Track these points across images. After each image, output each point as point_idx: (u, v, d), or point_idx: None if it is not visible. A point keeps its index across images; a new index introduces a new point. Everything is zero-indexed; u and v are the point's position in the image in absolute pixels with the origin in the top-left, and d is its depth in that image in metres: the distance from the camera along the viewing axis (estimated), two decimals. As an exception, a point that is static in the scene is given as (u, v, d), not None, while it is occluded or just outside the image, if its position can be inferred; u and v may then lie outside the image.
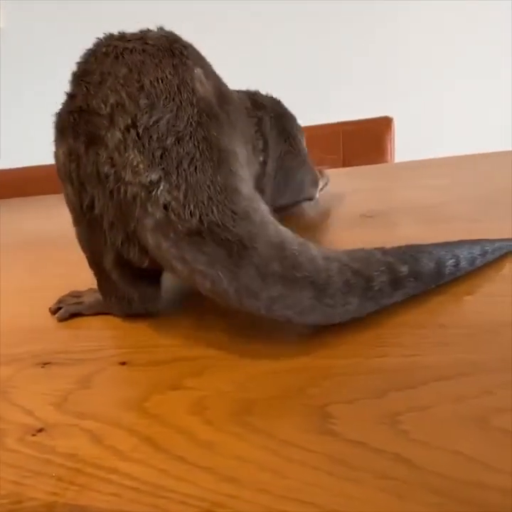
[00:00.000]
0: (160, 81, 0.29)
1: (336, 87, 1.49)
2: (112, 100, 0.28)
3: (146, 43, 0.30)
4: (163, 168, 0.27)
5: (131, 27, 0.33)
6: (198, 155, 0.28)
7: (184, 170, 0.27)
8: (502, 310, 0.29)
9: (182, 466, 0.20)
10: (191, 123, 0.28)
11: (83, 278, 0.45)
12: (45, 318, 0.37)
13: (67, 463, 0.21)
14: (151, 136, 0.27)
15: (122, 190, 0.28)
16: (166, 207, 0.26)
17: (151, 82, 0.28)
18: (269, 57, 1.55)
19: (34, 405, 0.26)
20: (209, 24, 1.50)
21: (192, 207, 0.26)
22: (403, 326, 0.28)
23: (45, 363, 0.30)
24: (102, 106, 0.28)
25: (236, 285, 0.26)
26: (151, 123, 0.28)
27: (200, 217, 0.26)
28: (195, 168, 0.27)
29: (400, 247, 0.32)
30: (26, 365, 0.30)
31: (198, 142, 0.28)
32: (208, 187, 0.27)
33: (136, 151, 0.27)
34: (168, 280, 0.34)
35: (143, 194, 0.27)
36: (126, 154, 0.27)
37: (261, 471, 0.19)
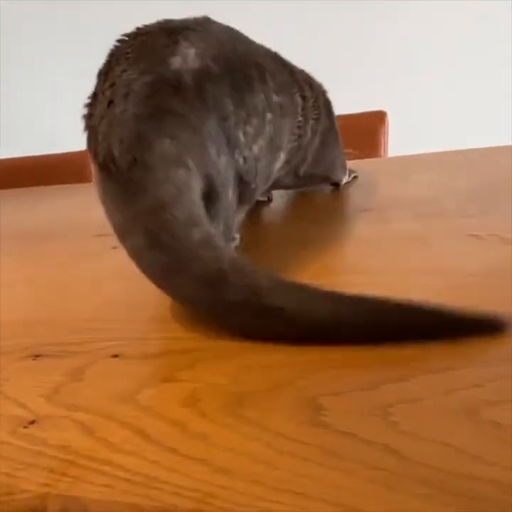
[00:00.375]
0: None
1: (330, 81, 1.49)
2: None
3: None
4: None
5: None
6: None
7: None
8: (496, 304, 0.29)
9: (175, 458, 0.20)
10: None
11: (73, 271, 0.45)
12: (36, 311, 0.37)
13: (60, 455, 0.21)
14: None
15: None
16: None
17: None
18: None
19: (25, 397, 0.26)
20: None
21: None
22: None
23: (36, 356, 0.30)
24: None
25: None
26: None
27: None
28: None
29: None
30: (17, 358, 0.30)
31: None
32: None
33: None
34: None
35: None
36: None
37: (253, 463, 0.19)
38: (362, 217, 0.50)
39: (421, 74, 1.51)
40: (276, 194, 0.57)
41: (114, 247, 0.50)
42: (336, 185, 0.59)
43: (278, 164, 0.42)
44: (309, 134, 0.47)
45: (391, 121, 1.08)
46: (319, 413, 0.22)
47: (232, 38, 0.40)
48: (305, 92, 0.46)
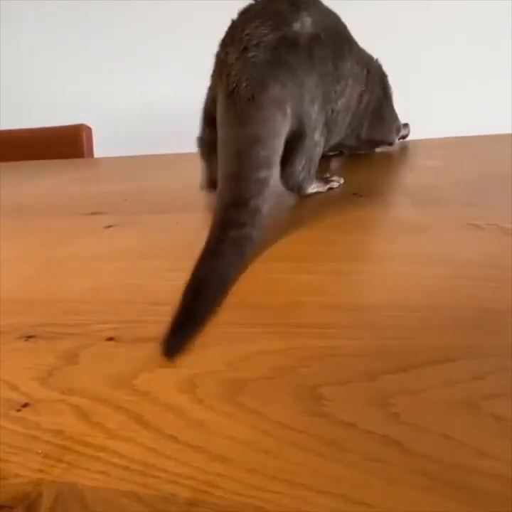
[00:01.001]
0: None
1: None
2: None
3: None
4: None
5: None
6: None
7: None
8: (495, 295, 0.29)
9: (172, 445, 0.20)
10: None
11: (65, 249, 0.44)
12: (27, 290, 0.36)
13: (54, 439, 0.21)
14: None
15: None
16: None
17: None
18: None
19: (18, 380, 0.25)
20: (205, 21, 1.44)
21: None
22: (397, 309, 0.28)
23: (29, 337, 0.29)
24: None
25: None
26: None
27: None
28: None
29: None
30: (9, 339, 0.29)
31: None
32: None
33: None
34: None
35: None
36: None
37: (252, 452, 0.19)
38: (360, 201, 0.49)
39: (421, 59, 1.49)
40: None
41: (109, 226, 0.49)
42: (390, 144, 0.71)
43: (347, 124, 0.54)
44: (366, 100, 0.57)
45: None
46: (319, 402, 0.21)
47: (333, 15, 0.51)
48: (369, 66, 0.57)
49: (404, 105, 1.31)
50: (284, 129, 0.42)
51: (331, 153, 0.71)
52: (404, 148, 0.76)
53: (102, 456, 0.20)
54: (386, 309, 0.29)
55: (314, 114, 0.45)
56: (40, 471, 0.19)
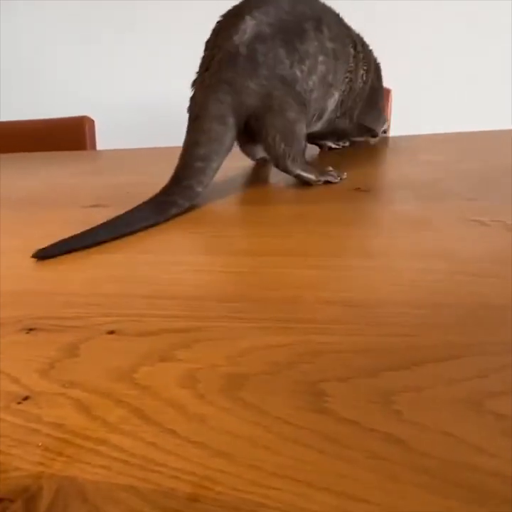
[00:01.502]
0: None
1: None
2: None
3: None
4: None
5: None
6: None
7: None
8: (498, 292, 0.29)
9: (172, 440, 0.20)
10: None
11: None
12: (29, 282, 0.36)
13: (54, 433, 0.21)
14: None
15: None
16: None
17: None
18: None
19: (19, 372, 0.25)
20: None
21: None
22: (400, 305, 0.28)
23: (30, 329, 0.29)
24: None
25: None
26: None
27: None
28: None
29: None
30: (10, 331, 0.29)
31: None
32: None
33: None
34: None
35: None
36: None
37: (253, 447, 0.19)
38: (362, 197, 0.49)
39: (427, 54, 1.48)
40: (277, 174, 0.56)
41: (111, 220, 0.49)
42: (375, 135, 0.72)
43: (332, 101, 0.58)
44: (360, 80, 0.60)
45: (395, 99, 1.06)
46: (320, 399, 0.21)
47: (295, 1, 0.53)
48: (357, 46, 0.60)
49: (406, 100, 1.30)
50: (223, 134, 0.50)
51: (334, 146, 0.71)
52: (406, 142, 0.75)
53: (103, 450, 0.20)
54: (388, 305, 0.28)
55: (277, 100, 0.51)
56: (41, 464, 0.19)
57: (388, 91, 1.05)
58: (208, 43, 0.54)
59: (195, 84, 0.54)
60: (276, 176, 0.60)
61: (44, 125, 1.23)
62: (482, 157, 0.61)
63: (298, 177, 0.54)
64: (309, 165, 0.54)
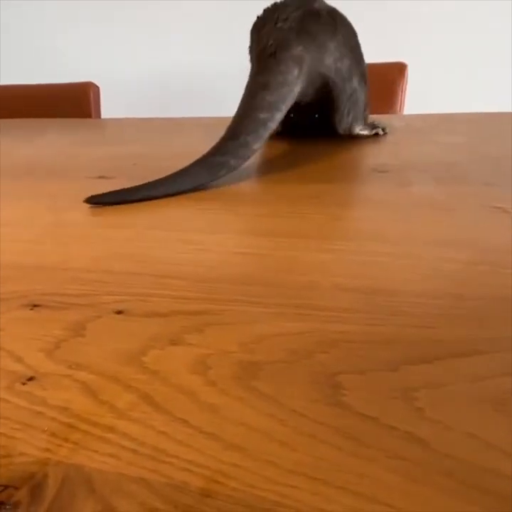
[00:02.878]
0: None
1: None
2: None
3: None
4: None
5: None
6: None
7: None
8: (522, 286, 0.27)
9: (184, 430, 0.19)
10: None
11: (71, 214, 0.43)
12: (31, 256, 0.35)
13: (60, 417, 0.20)
14: None
15: None
16: None
17: None
18: None
19: (23, 351, 0.24)
20: None
21: None
22: (419, 295, 0.27)
23: (34, 305, 0.28)
24: None
25: None
26: None
27: None
28: None
29: None
30: (13, 307, 0.28)
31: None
32: None
33: None
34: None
35: None
36: None
37: (268, 441, 0.18)
38: (379, 178, 0.47)
39: (445, 29, 1.42)
40: (291, 151, 0.54)
41: (117, 192, 0.47)
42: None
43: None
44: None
45: (410, 75, 1.02)
46: (338, 392, 0.20)
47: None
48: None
49: (422, 76, 1.26)
50: (296, 82, 0.50)
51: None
52: (427, 121, 0.73)
53: (111, 437, 0.19)
54: (406, 294, 0.27)
55: (344, 67, 0.56)
56: (46, 450, 0.18)
57: (404, 66, 1.01)
58: (268, 8, 0.57)
59: (257, 27, 0.56)
60: (290, 154, 0.58)
61: (47, 90, 1.19)
62: (503, 140, 0.59)
63: (357, 136, 0.62)
64: (364, 123, 0.63)
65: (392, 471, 0.17)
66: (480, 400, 0.20)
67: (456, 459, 0.18)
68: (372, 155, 0.54)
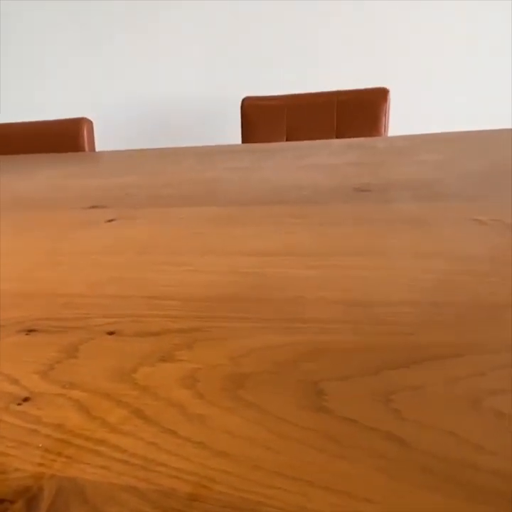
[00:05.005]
0: None
1: (334, 56, 1.45)
2: None
3: None
4: None
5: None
6: None
7: None
8: (497, 291, 0.29)
9: (173, 440, 0.20)
10: None
11: (65, 242, 0.44)
12: (28, 284, 0.36)
13: (54, 433, 0.21)
14: None
15: None
16: None
17: None
18: (268, 23, 1.50)
19: (19, 373, 0.25)
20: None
21: None
22: (399, 304, 0.28)
23: (29, 330, 0.29)
24: None
25: None
26: None
27: None
28: None
29: None
30: (10, 332, 0.29)
31: None
32: None
33: None
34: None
35: None
36: None
37: (254, 447, 0.19)
38: (362, 197, 0.49)
39: (426, 55, 1.48)
40: (274, 172, 0.56)
41: (110, 220, 0.49)
42: None
43: None
44: None
45: (393, 100, 1.06)
46: (321, 398, 0.21)
47: None
48: None
49: (404, 99, 1.30)
50: None
51: None
52: (405, 142, 0.75)
53: (103, 450, 0.20)
54: (388, 305, 0.28)
55: None
56: (41, 465, 0.19)
57: (386, 91, 1.05)
58: None
59: None
60: (276, 176, 0.60)
61: (43, 127, 1.23)
62: (480, 157, 0.61)
63: None
64: None
65: (374, 470, 0.18)
66: (456, 400, 0.21)
67: (434, 455, 0.18)
68: (354, 175, 0.56)
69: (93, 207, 0.55)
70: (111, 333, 0.28)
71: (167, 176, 0.54)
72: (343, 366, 0.23)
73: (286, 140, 1.00)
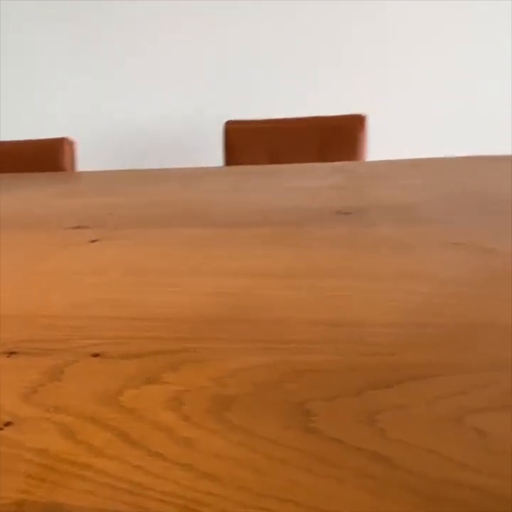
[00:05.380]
0: None
1: (311, 83, 1.49)
2: None
3: None
4: None
5: None
6: None
7: None
8: (476, 312, 0.30)
9: (159, 463, 0.20)
10: None
11: (48, 263, 0.44)
12: (11, 304, 0.36)
13: (38, 459, 0.20)
14: None
15: None
16: None
17: None
18: (250, 50, 1.54)
19: (1, 397, 0.25)
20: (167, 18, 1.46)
21: None
22: (381, 325, 0.29)
23: (10, 353, 0.29)
24: None
25: None
26: None
27: None
28: None
29: None
30: (-9, 355, 0.29)
31: None
32: None
33: None
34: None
35: None
36: None
37: (240, 469, 0.19)
38: (343, 220, 0.50)
39: (404, 82, 1.53)
40: (258, 195, 0.57)
41: (93, 241, 0.49)
42: None
43: None
44: None
45: (372, 126, 1.10)
46: (307, 418, 0.22)
47: None
48: None
49: (382, 125, 1.33)
50: None
51: None
52: (385, 167, 0.78)
53: (88, 474, 0.19)
54: (370, 326, 0.29)
55: None
56: (24, 491, 0.19)
57: (363, 117, 1.08)
58: None
59: None
60: (260, 198, 0.61)
61: (24, 146, 1.22)
62: (456, 182, 0.64)
63: None
64: None
65: (359, 489, 0.18)
66: (438, 419, 0.21)
67: (417, 473, 0.19)
68: (336, 198, 0.57)
69: (76, 227, 0.55)
70: (96, 355, 0.28)
71: (151, 197, 0.54)
72: (327, 386, 0.24)
73: (269, 164, 1.01)
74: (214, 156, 1.30)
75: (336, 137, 1.09)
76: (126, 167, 0.99)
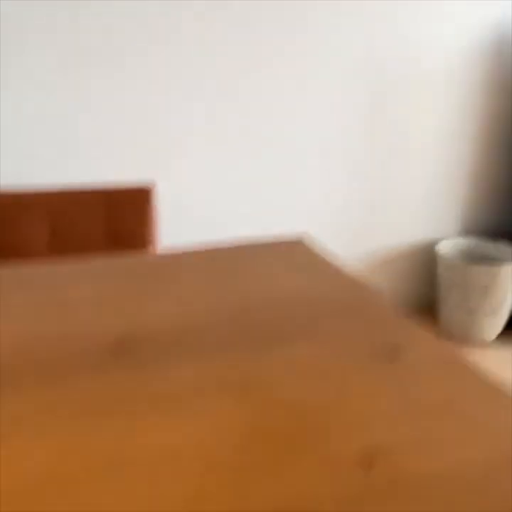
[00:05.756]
0: None
1: (98, 148, 1.33)
2: None
3: None
4: None
5: None
6: None
7: None
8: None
9: None
10: None
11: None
12: None
13: None
14: None
15: None
16: None
17: None
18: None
19: None
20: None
21: None
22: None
23: None
24: None
25: None
26: None
27: None
28: None
29: None
30: None
31: None
32: None
33: None
34: None
35: None
36: None
37: None
38: (114, 362, 0.38)
39: (198, 155, 1.43)
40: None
41: None
42: None
43: None
44: None
45: (165, 196, 1.01)
46: None
47: None
48: None
49: (179, 195, 1.22)
50: None
51: None
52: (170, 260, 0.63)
53: None
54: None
55: None
56: None
57: (150, 189, 1.01)
58: None
59: None
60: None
61: None
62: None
63: None
64: None
65: None
66: None
67: None
68: (105, 325, 0.42)
69: None
70: None
71: None
72: None
73: (49, 242, 0.89)
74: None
75: (123, 209, 1.04)
76: None
